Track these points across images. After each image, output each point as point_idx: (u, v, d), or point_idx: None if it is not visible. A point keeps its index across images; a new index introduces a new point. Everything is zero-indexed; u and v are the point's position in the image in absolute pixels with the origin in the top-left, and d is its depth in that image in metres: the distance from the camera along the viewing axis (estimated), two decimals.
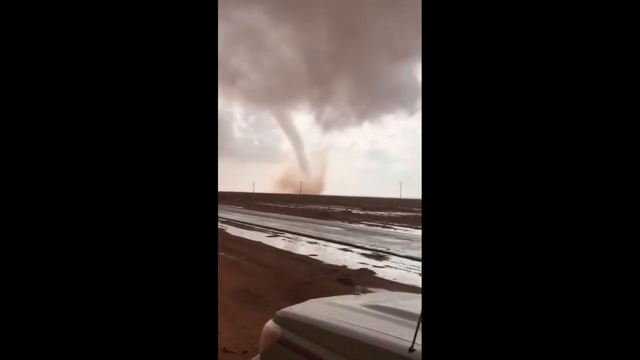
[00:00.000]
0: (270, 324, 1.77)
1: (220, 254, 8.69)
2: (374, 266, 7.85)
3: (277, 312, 1.78)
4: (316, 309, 1.72)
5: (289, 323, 1.67)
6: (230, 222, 17.75)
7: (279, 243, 10.99)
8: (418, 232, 15.54)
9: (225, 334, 3.62)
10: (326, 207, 37.70)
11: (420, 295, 1.34)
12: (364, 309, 1.64)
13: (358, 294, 2.04)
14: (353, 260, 8.53)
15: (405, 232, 15.86)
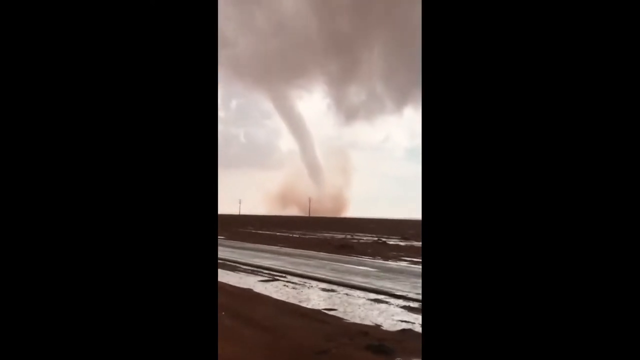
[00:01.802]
0: None
1: None
2: (422, 325, 7.77)
3: None
4: None
5: None
6: None
7: (279, 291, 11.02)
8: None
9: None
10: (348, 235, 37.74)
11: None
12: None
13: None
14: (390, 316, 8.48)
15: None
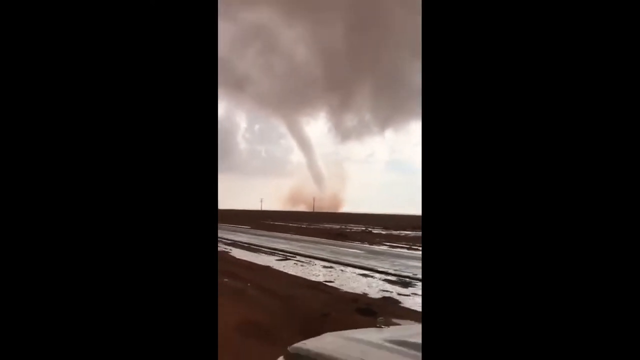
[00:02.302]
0: None
1: (224, 280, 8.73)
2: (399, 294, 7.75)
3: (288, 348, 1.77)
4: (332, 345, 1.71)
5: None
6: (235, 243, 17.85)
7: (291, 268, 10.98)
8: None
9: None
10: (343, 226, 37.61)
11: None
12: (388, 344, 1.62)
13: (381, 327, 2.02)
14: (375, 287, 8.44)
15: None
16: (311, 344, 1.76)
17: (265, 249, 15.73)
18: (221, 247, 16.06)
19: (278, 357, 1.81)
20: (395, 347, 1.59)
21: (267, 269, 10.79)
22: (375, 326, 2.08)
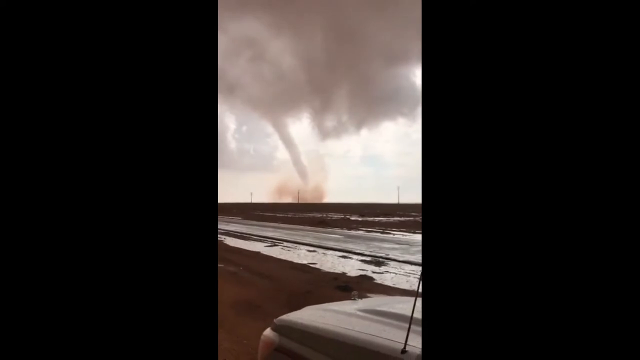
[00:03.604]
0: (267, 332, 1.80)
1: (219, 265, 8.68)
2: (373, 272, 7.87)
3: (275, 320, 1.81)
4: (312, 315, 1.76)
5: (286, 330, 1.71)
6: (228, 233, 17.71)
7: (278, 252, 10.98)
8: (417, 237, 15.56)
9: (226, 346, 3.63)
10: (324, 215, 37.64)
11: (413, 298, 1.37)
12: (359, 313, 1.68)
13: (355, 300, 2.08)
14: (352, 267, 8.54)
15: (404, 237, 15.88)
16: (294, 316, 1.81)
17: (255, 237, 15.66)
18: None
19: (266, 328, 1.86)
20: (366, 315, 1.65)
21: (257, 254, 10.77)
22: (350, 299, 2.14)
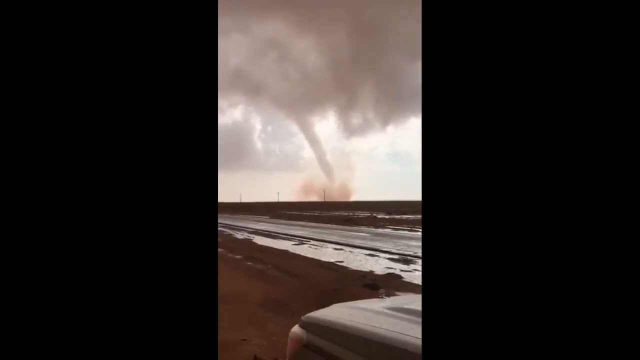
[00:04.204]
0: (295, 329, 1.82)
1: (248, 263, 8.84)
2: (402, 270, 7.77)
3: (302, 317, 1.83)
4: (340, 313, 1.76)
5: (313, 327, 1.72)
6: (257, 232, 17.98)
7: (305, 251, 11.05)
8: None
9: (256, 342, 3.70)
10: (351, 213, 37.53)
11: None
12: (387, 311, 1.67)
13: (382, 298, 2.07)
14: (380, 265, 8.47)
15: None
16: (321, 313, 1.82)
17: (283, 235, 15.82)
18: (245, 235, 16.18)
19: (294, 325, 1.87)
20: (394, 312, 1.63)
21: (285, 252, 10.87)
22: (377, 297, 2.13)
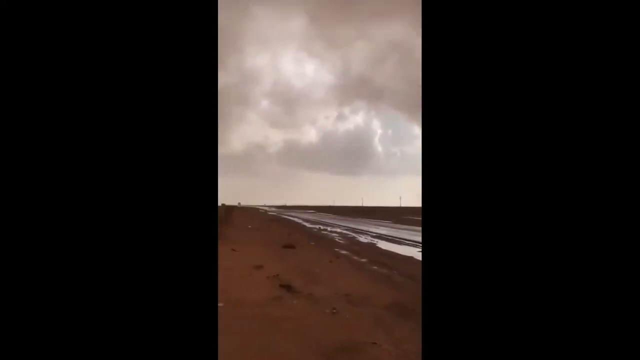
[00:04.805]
0: None
1: (373, 267, 8.96)
2: None
3: None
4: None
5: None
6: (380, 236, 18.05)
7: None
8: None
9: (386, 347, 3.74)
10: None
11: None
12: None
13: None
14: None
15: None
16: None
17: (407, 242, 15.52)
18: (368, 240, 16.42)
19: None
20: None
21: (410, 258, 10.66)
22: None
